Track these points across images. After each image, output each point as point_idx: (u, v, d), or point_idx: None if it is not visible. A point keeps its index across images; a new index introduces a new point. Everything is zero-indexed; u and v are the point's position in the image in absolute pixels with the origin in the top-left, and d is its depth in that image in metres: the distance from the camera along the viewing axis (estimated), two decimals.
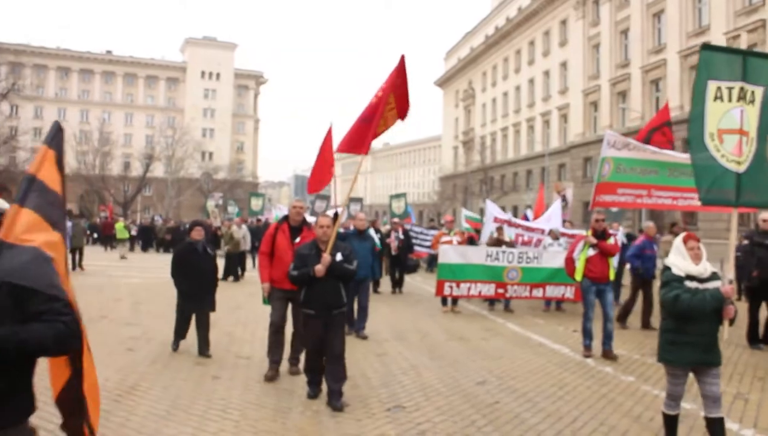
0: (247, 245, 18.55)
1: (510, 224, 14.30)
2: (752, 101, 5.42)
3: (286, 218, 7.04)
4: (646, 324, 10.61)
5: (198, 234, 7.97)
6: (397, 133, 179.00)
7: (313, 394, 5.97)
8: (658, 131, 11.74)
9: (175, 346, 7.93)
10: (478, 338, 9.56)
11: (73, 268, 19.14)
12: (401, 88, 6.52)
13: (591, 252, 8.29)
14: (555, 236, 13.18)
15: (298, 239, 6.63)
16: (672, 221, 16.97)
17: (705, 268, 4.57)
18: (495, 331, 10.23)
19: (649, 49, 35.99)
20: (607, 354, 8.15)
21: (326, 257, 5.73)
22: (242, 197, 51.77)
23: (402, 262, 15.61)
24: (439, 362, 7.77)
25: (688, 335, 4.49)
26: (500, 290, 12.04)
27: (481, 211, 21.35)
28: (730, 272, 5.18)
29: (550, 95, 48.68)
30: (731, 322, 4.61)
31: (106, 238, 34.11)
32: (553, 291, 12.10)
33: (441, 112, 74.69)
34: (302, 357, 6.47)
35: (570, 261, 8.59)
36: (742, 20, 29.06)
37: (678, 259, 4.62)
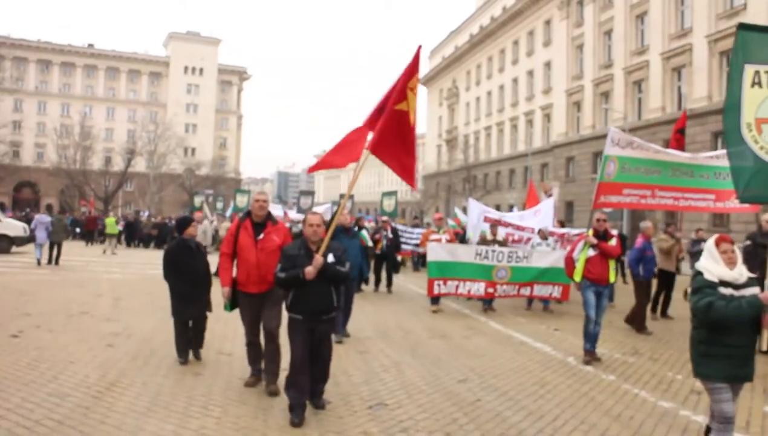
0: None
1: (501, 223, 14.05)
2: None
3: (248, 214, 6.25)
4: (641, 328, 10.31)
5: (194, 230, 7.55)
6: None
7: (298, 421, 5.13)
8: (672, 138, 12.30)
9: (183, 359, 7.10)
10: (460, 336, 9.59)
11: (49, 262, 19.03)
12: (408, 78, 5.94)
13: (591, 253, 8.15)
14: (544, 235, 13.24)
15: (261, 236, 6.05)
16: (651, 220, 17.08)
17: (740, 273, 4.18)
18: (477, 329, 10.26)
19: (632, 50, 36.30)
20: (591, 355, 8.15)
21: (318, 258, 5.26)
22: (225, 194, 51.46)
23: (392, 260, 15.60)
24: (421, 359, 7.78)
25: (723, 347, 4.10)
26: (490, 290, 11.76)
27: (464, 210, 21.37)
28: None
29: (534, 95, 48.92)
30: None
31: (89, 233, 33.77)
32: (541, 290, 11.98)
33: (425, 111, 74.68)
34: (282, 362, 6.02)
35: (570, 261, 8.42)
36: (724, 23, 29.33)
37: (710, 263, 4.21)
